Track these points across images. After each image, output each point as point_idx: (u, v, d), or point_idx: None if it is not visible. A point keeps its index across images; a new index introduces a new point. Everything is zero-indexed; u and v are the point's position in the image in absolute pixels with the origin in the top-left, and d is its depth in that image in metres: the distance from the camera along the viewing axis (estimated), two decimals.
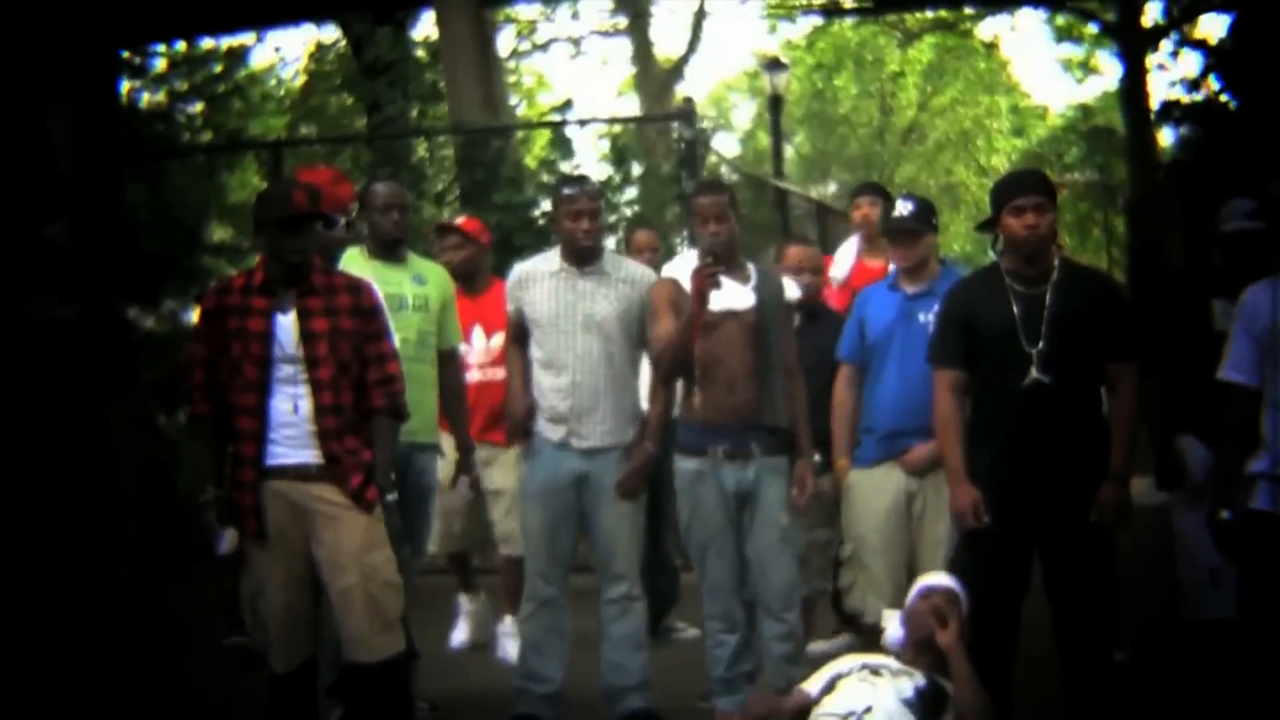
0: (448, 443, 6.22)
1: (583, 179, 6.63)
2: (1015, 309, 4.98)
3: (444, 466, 6.20)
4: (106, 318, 4.41)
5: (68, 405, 4.28)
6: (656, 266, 6.54)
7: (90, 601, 4.30)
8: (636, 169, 11.73)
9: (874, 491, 5.72)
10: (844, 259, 7.43)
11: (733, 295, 5.42)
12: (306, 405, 4.93)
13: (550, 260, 5.90)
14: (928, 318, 5.65)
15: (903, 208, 5.84)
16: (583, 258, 5.80)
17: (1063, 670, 5.08)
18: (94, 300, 4.32)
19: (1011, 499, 4.93)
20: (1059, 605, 5.04)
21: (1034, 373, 4.91)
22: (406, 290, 5.91)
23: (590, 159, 11.73)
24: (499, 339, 6.65)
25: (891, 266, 6.15)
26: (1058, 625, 5.06)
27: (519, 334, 5.95)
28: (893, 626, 4.92)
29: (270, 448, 4.94)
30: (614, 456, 5.74)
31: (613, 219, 10.81)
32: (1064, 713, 5.11)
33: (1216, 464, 4.84)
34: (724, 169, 15.20)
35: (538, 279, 5.84)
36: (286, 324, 4.95)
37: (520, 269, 6.00)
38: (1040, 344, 4.92)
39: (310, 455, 4.93)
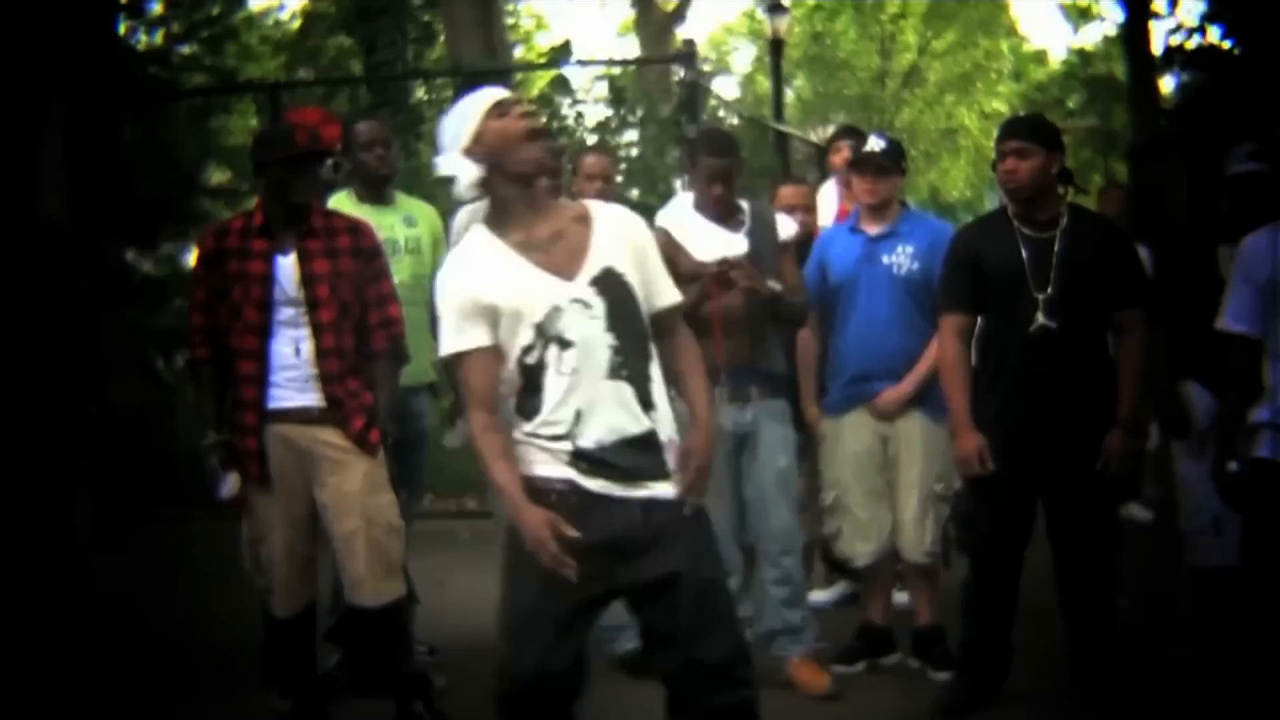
0: None
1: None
2: (1024, 253, 4.94)
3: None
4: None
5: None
6: (606, 196, 6.24)
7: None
8: (636, 112, 11.64)
9: (849, 439, 5.68)
10: (826, 204, 7.24)
11: (725, 244, 5.37)
12: (308, 348, 4.90)
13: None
14: (891, 259, 5.62)
15: (875, 143, 5.74)
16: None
17: (1064, 617, 5.08)
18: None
19: (1016, 445, 4.91)
20: (1062, 552, 5.03)
21: (1041, 318, 4.89)
22: (398, 233, 5.86)
23: (589, 101, 11.64)
24: None
25: (853, 208, 6.06)
26: (1060, 572, 5.05)
27: None
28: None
29: (272, 391, 4.93)
30: None
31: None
32: (1065, 660, 5.12)
33: (1219, 415, 4.82)
34: (724, 112, 15.10)
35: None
36: (287, 266, 4.92)
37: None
38: (1049, 290, 4.89)
39: (312, 398, 4.91)
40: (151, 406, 9.54)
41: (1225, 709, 4.64)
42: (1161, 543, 6.04)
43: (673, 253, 5.45)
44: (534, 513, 3.44)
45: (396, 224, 5.88)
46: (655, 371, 3.64)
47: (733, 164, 5.46)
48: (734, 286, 5.24)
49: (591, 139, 10.98)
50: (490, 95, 3.67)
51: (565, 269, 3.56)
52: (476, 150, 3.60)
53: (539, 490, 3.53)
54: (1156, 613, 6.02)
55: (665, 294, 3.73)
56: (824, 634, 5.70)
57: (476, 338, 3.55)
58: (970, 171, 33.09)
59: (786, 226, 5.62)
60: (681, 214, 5.57)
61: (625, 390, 3.54)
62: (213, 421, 5.07)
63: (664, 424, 3.61)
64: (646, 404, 3.58)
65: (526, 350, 3.53)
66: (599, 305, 3.55)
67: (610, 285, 3.58)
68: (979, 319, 5.14)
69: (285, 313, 4.91)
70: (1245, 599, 4.52)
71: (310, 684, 5.19)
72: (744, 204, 5.57)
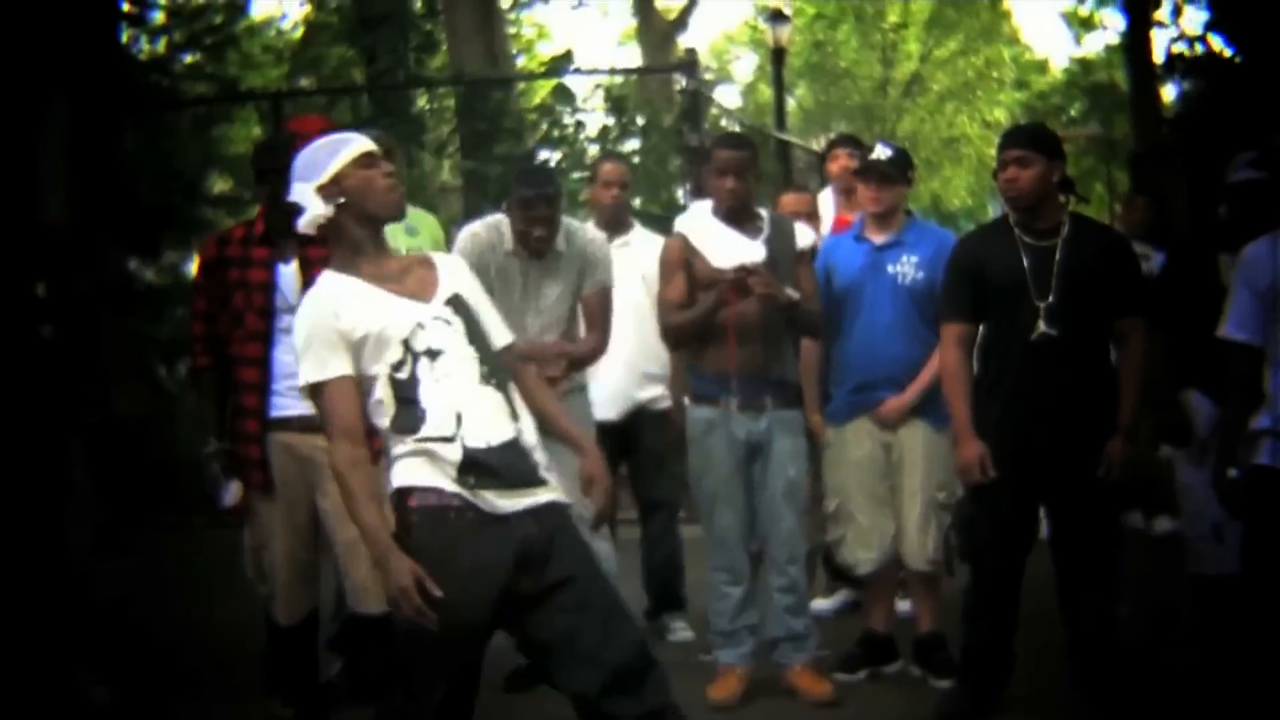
0: None
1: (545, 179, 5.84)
2: (1025, 262, 4.94)
3: None
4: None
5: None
6: (622, 203, 6.42)
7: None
8: (638, 120, 11.65)
9: (852, 446, 5.68)
10: (823, 212, 7.19)
11: (743, 250, 5.37)
12: None
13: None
14: (896, 268, 5.62)
15: (881, 152, 5.74)
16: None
17: (1066, 623, 5.08)
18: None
19: (1018, 452, 4.91)
20: (1063, 559, 5.03)
21: (1042, 326, 4.89)
22: (400, 242, 5.84)
23: (590, 109, 11.65)
24: None
25: (857, 217, 6.05)
26: (1061, 579, 5.05)
27: None
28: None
29: (274, 399, 4.94)
30: None
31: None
32: (1067, 665, 5.11)
33: (1220, 422, 4.82)
34: (725, 121, 15.10)
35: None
36: (289, 274, 4.94)
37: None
38: (1050, 298, 4.89)
39: None
40: (153, 414, 9.55)
41: (1226, 715, 4.64)
42: (1162, 549, 6.03)
43: (690, 258, 5.46)
44: (401, 560, 3.38)
45: (398, 233, 5.86)
46: (513, 387, 3.69)
47: (747, 158, 5.44)
48: (751, 293, 5.23)
49: (593, 148, 10.99)
50: (360, 143, 3.71)
51: (421, 294, 3.63)
52: (332, 190, 3.64)
53: (435, 509, 3.49)
54: (1158, 619, 6.02)
55: (500, 335, 3.77)
56: (826, 642, 5.69)
57: (338, 367, 3.54)
58: (972, 180, 33.07)
59: (805, 235, 5.61)
60: (700, 220, 5.57)
61: (497, 396, 3.58)
62: (215, 429, 5.08)
63: (528, 432, 3.63)
64: (514, 414, 3.61)
65: (397, 366, 3.54)
66: (457, 322, 3.61)
67: (462, 307, 3.65)
68: (980, 327, 5.14)
69: (287, 320, 4.90)
70: (1246, 606, 4.52)
71: (312, 692, 5.19)
72: (763, 212, 5.57)
